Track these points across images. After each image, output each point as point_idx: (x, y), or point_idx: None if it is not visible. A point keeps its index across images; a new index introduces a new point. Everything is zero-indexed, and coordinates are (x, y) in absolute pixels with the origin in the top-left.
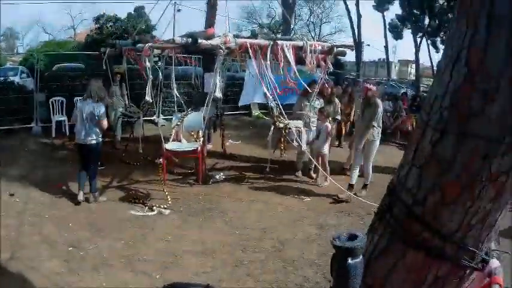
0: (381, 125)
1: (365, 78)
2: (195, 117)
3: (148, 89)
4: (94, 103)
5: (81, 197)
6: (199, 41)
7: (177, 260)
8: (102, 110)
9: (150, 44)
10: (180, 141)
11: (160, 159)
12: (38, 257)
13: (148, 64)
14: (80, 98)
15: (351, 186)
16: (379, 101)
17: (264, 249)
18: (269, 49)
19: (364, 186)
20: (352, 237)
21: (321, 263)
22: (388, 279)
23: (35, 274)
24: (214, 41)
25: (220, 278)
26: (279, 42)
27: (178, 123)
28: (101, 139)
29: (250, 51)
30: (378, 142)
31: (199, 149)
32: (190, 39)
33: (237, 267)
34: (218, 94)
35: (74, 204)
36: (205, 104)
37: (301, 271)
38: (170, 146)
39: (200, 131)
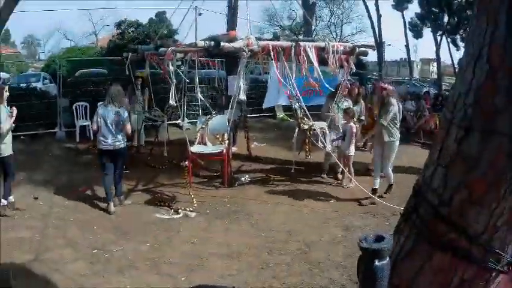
0: (398, 125)
1: (381, 77)
2: (219, 120)
3: (172, 93)
4: (116, 108)
5: (112, 208)
6: (222, 44)
7: (203, 263)
8: (126, 114)
9: (172, 48)
10: (205, 144)
11: (186, 162)
12: (62, 259)
13: (171, 68)
14: (101, 103)
15: (374, 191)
16: (393, 100)
17: (289, 251)
18: (292, 50)
19: (389, 187)
20: (379, 238)
21: (347, 265)
22: (414, 281)
23: (59, 276)
24: (237, 44)
25: (245, 280)
26: (301, 43)
27: (203, 126)
28: (126, 143)
29: (272, 53)
30: (396, 143)
31: (224, 151)
32: (213, 42)
33: (262, 269)
34: (242, 96)
35: (99, 208)
36: (230, 107)
37: (327, 273)
38: (196, 148)
39: (225, 134)
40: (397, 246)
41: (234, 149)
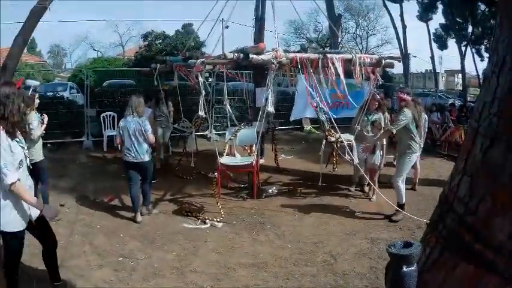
0: (415, 138)
1: (401, 88)
2: (248, 132)
3: (201, 104)
4: (137, 118)
5: (139, 218)
6: (251, 56)
7: (229, 272)
8: (147, 124)
9: (202, 59)
10: (233, 155)
11: (215, 173)
12: (88, 266)
13: (201, 79)
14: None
15: (400, 206)
16: (407, 111)
17: (315, 262)
18: (319, 62)
19: (399, 206)
20: (407, 245)
21: (372, 277)
22: None
23: (83, 282)
24: (266, 56)
25: None
26: (329, 55)
27: (232, 137)
28: (150, 155)
29: (300, 65)
30: (409, 156)
31: (253, 163)
32: (242, 54)
33: (288, 280)
34: (270, 108)
35: (125, 216)
36: (258, 119)
37: (352, 285)
38: (225, 160)
39: (253, 146)
40: (423, 256)
41: (261, 161)
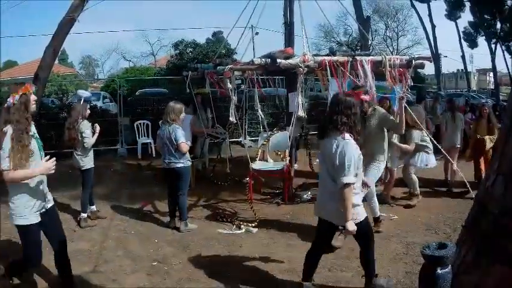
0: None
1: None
2: (281, 137)
3: (232, 110)
4: (169, 126)
5: (172, 223)
6: (279, 60)
7: (264, 278)
8: (178, 132)
9: (230, 66)
10: (266, 160)
11: (247, 179)
12: (121, 271)
13: (230, 86)
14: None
15: (376, 219)
16: (378, 110)
17: (350, 268)
18: (349, 65)
19: (376, 219)
20: (442, 246)
21: (407, 282)
22: None
23: (116, 286)
24: (294, 60)
25: None
26: (358, 57)
27: (264, 143)
28: (186, 163)
29: (329, 69)
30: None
31: (285, 168)
32: (269, 59)
33: (323, 286)
34: (301, 113)
35: (160, 222)
36: (291, 124)
37: None
38: (257, 165)
39: (286, 151)
40: (458, 258)
41: (295, 166)
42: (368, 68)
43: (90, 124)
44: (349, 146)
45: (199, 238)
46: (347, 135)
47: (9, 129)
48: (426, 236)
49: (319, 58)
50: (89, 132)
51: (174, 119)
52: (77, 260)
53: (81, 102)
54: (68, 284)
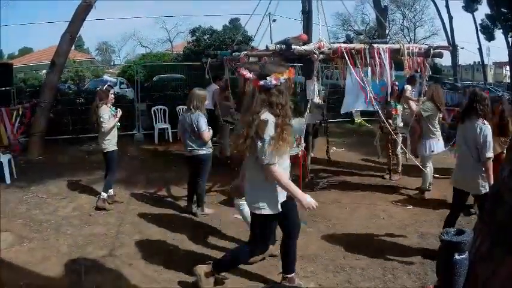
0: None
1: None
2: (296, 124)
3: None
4: (192, 114)
5: (189, 208)
6: (293, 47)
7: (278, 264)
8: (201, 121)
9: (245, 52)
10: None
11: None
12: (137, 255)
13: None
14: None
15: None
16: None
17: (365, 256)
18: (366, 53)
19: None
20: (460, 232)
21: (420, 272)
22: (489, 285)
23: (131, 270)
24: (308, 47)
25: (320, 282)
26: (375, 45)
27: None
28: (207, 150)
29: (346, 56)
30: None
31: (300, 154)
32: (284, 45)
33: (337, 273)
34: (317, 100)
35: (177, 207)
36: (308, 111)
37: (400, 280)
38: None
39: (302, 137)
40: (473, 248)
41: (311, 154)
42: (385, 56)
43: (109, 109)
44: (488, 129)
45: (216, 223)
46: (485, 121)
47: (268, 115)
48: (440, 227)
49: (335, 45)
50: (106, 117)
51: (198, 106)
52: (93, 244)
53: (104, 88)
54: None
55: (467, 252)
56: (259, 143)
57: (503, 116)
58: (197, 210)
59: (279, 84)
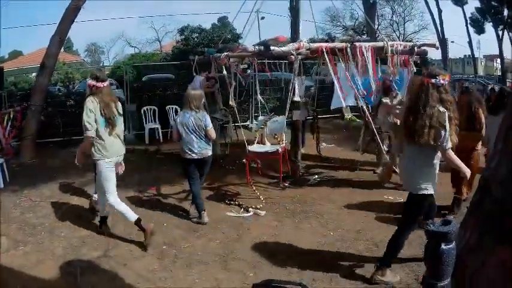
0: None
1: None
2: (278, 121)
3: (231, 94)
4: (196, 114)
5: (205, 218)
6: (272, 48)
7: (272, 259)
8: (208, 119)
9: (226, 53)
10: (264, 143)
11: (244, 160)
12: (131, 255)
13: (225, 72)
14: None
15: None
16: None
17: (358, 250)
18: (349, 51)
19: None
20: (446, 223)
21: (413, 265)
22: (478, 275)
23: (126, 271)
24: (286, 48)
25: (313, 277)
26: (357, 44)
27: (262, 126)
28: (211, 148)
29: (326, 55)
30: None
31: (279, 151)
32: (262, 46)
33: (331, 267)
34: (297, 98)
35: (169, 206)
36: (287, 109)
37: (393, 272)
38: (253, 148)
39: (283, 134)
40: (463, 240)
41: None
42: (369, 54)
43: None
44: None
45: (208, 221)
46: None
47: (443, 109)
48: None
49: (315, 45)
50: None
51: (199, 106)
52: (87, 245)
53: None
54: None
55: (454, 242)
56: (443, 132)
57: (471, 104)
58: (190, 208)
59: (445, 84)
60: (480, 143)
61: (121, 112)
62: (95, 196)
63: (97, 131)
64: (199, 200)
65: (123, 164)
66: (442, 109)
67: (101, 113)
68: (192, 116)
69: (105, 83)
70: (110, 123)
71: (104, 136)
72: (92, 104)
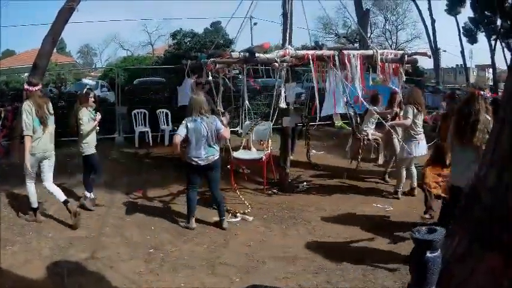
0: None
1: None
2: (263, 127)
3: (219, 101)
4: (207, 118)
5: (193, 224)
6: (257, 55)
7: (258, 265)
8: (218, 122)
9: (212, 59)
10: (249, 149)
11: (228, 166)
12: (118, 257)
13: (210, 78)
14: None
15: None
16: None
17: (345, 257)
18: (336, 59)
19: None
20: (431, 230)
21: (401, 273)
22: (466, 284)
23: (113, 273)
24: (271, 55)
25: (299, 283)
26: (345, 52)
27: (248, 132)
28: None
29: (311, 63)
30: None
31: (263, 157)
32: (248, 53)
33: (317, 274)
34: (282, 104)
35: (158, 210)
36: (274, 114)
37: (380, 280)
38: (237, 154)
39: (269, 140)
40: (449, 249)
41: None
42: (358, 62)
43: (89, 112)
44: None
45: (196, 226)
46: None
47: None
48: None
49: (302, 52)
50: (85, 120)
51: (207, 111)
52: (75, 247)
53: (84, 91)
54: None
55: (439, 250)
56: (487, 136)
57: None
58: (223, 222)
59: (489, 97)
60: None
61: (52, 112)
62: (87, 194)
63: (33, 129)
64: (192, 206)
65: (52, 159)
66: (488, 117)
67: (36, 114)
68: (204, 121)
69: (37, 87)
70: (42, 122)
71: (37, 134)
72: (28, 107)
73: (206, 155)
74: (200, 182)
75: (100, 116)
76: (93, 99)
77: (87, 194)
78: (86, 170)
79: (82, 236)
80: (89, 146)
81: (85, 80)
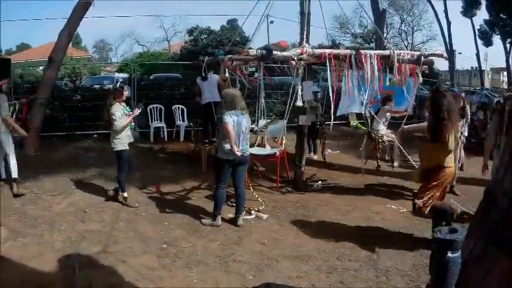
0: None
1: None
2: (278, 125)
3: None
4: (246, 113)
5: (219, 221)
6: (274, 52)
7: (272, 263)
8: (249, 119)
9: (229, 56)
10: (264, 146)
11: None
12: (131, 252)
13: (227, 74)
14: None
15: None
16: None
17: (358, 258)
18: (353, 58)
19: None
20: (453, 231)
21: (413, 275)
22: (480, 286)
23: (125, 267)
24: (288, 53)
25: (312, 283)
26: (362, 51)
27: (263, 129)
28: None
29: (328, 62)
30: None
31: (277, 153)
32: (264, 51)
33: (330, 274)
34: (299, 103)
35: (172, 204)
36: (286, 113)
37: (393, 281)
38: (252, 150)
39: (284, 137)
40: (467, 250)
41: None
42: (375, 62)
43: (121, 107)
44: None
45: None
46: None
47: None
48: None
49: (319, 50)
50: (118, 115)
51: (244, 107)
52: (87, 240)
53: (118, 85)
54: None
55: (460, 250)
56: None
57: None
58: (239, 219)
59: None
60: (447, 159)
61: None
62: (123, 194)
63: None
64: (220, 203)
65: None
66: None
67: None
68: (244, 117)
69: None
70: None
71: None
72: None
73: (244, 150)
74: (229, 180)
75: (138, 111)
76: (127, 93)
77: (125, 194)
78: (120, 167)
79: (95, 229)
80: (121, 142)
81: (117, 75)
